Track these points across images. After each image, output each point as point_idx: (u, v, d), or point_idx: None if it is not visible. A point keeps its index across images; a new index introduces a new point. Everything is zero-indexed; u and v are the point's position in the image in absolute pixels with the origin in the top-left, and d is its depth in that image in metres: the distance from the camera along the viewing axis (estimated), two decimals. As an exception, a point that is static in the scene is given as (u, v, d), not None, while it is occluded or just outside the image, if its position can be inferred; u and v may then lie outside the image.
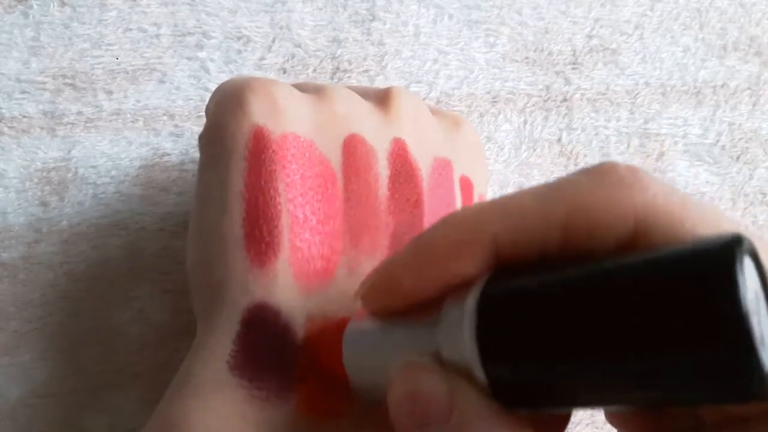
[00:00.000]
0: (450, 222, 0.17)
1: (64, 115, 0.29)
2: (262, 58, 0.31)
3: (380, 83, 0.31)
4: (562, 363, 0.14)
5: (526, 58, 0.32)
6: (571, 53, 0.33)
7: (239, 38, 0.31)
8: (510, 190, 0.31)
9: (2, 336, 0.27)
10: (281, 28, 0.31)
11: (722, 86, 0.33)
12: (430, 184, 0.24)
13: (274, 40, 0.31)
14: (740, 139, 0.33)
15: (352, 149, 0.22)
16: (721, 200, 0.32)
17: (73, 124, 0.29)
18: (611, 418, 0.19)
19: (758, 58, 0.34)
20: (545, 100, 0.32)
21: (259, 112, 0.21)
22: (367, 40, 0.31)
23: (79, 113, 0.29)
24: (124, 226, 0.28)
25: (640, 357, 0.13)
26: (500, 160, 0.31)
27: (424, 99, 0.31)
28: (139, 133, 0.29)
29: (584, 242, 0.15)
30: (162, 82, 0.30)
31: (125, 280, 0.28)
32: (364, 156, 0.22)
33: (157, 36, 0.30)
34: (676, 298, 0.13)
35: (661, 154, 0.32)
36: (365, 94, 0.24)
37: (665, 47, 0.33)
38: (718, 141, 0.33)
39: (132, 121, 0.29)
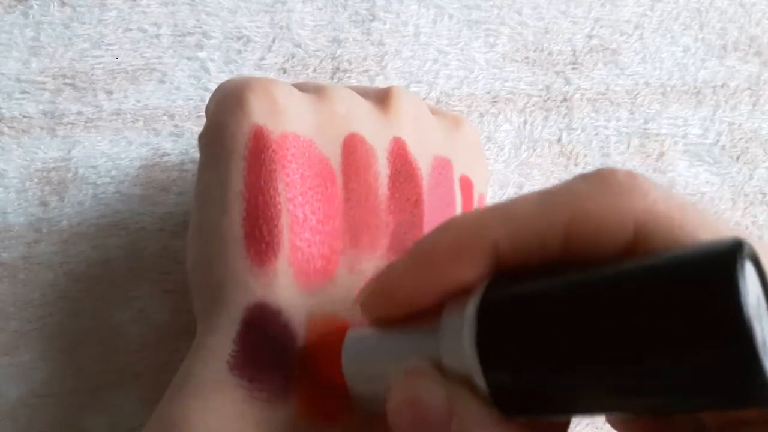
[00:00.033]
0: (450, 227, 0.17)
1: (64, 115, 0.29)
2: (262, 58, 0.31)
3: (380, 83, 0.31)
4: (563, 369, 0.14)
5: (526, 58, 0.32)
6: (571, 53, 0.33)
7: (239, 38, 0.31)
8: (510, 190, 0.31)
9: (2, 336, 0.27)
10: (281, 28, 0.31)
11: (722, 86, 0.33)
12: (430, 183, 0.24)
13: (274, 40, 0.31)
14: (740, 139, 0.33)
15: (352, 148, 0.22)
16: (721, 200, 0.32)
17: (73, 124, 0.29)
18: (612, 421, 0.19)
19: (758, 58, 0.34)
20: (545, 100, 0.32)
21: (258, 112, 0.21)
22: (367, 40, 0.31)
23: (79, 113, 0.29)
24: (124, 226, 0.28)
25: (641, 363, 0.13)
26: (500, 160, 0.31)
27: (424, 99, 0.31)
28: (139, 133, 0.29)
29: (584, 248, 0.15)
30: (162, 82, 0.30)
31: (125, 280, 0.28)
32: (364, 155, 0.22)
33: (157, 36, 0.30)
34: (678, 304, 0.13)
35: (661, 154, 0.32)
36: (365, 93, 0.24)
37: (665, 47, 0.33)
38: (718, 141, 0.33)
39: (132, 121, 0.29)
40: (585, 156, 0.32)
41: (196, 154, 0.29)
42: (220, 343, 0.19)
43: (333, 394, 0.20)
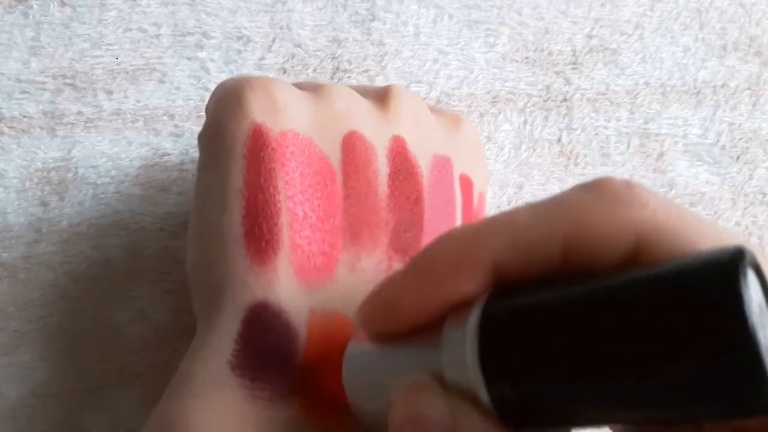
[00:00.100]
0: (450, 240, 0.17)
1: (64, 115, 0.29)
2: (262, 58, 0.31)
3: (380, 83, 0.31)
4: (566, 380, 0.14)
5: (526, 58, 0.32)
6: (571, 53, 0.33)
7: (239, 38, 0.31)
8: (510, 190, 0.31)
9: (2, 336, 0.27)
10: (281, 28, 0.31)
11: (722, 86, 0.33)
12: (429, 181, 0.24)
13: (274, 40, 0.31)
14: (740, 139, 0.33)
15: (352, 146, 0.22)
16: (721, 200, 0.32)
17: (73, 124, 0.29)
18: (616, 430, 0.19)
19: (758, 58, 0.34)
20: (545, 100, 0.32)
21: (258, 110, 0.21)
22: (367, 40, 0.31)
23: (79, 113, 0.29)
24: (124, 226, 0.28)
25: (644, 373, 0.13)
26: (500, 160, 0.31)
27: (424, 99, 0.31)
28: (139, 133, 0.29)
29: (585, 259, 0.15)
30: (162, 82, 0.30)
31: (125, 280, 0.27)
32: (364, 153, 0.22)
33: (157, 36, 0.30)
34: (681, 314, 0.13)
35: (661, 154, 0.32)
36: (365, 92, 0.24)
37: (665, 47, 0.33)
38: (718, 141, 0.33)
39: (132, 121, 0.29)
40: (585, 156, 0.32)
41: (196, 154, 0.29)
42: (222, 342, 0.19)
43: (334, 392, 0.20)
